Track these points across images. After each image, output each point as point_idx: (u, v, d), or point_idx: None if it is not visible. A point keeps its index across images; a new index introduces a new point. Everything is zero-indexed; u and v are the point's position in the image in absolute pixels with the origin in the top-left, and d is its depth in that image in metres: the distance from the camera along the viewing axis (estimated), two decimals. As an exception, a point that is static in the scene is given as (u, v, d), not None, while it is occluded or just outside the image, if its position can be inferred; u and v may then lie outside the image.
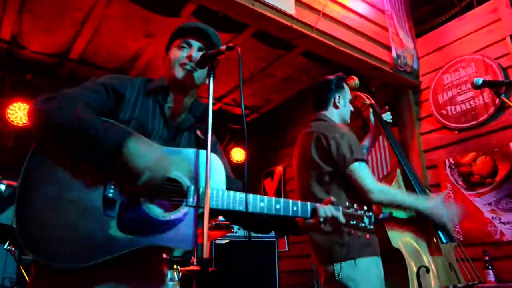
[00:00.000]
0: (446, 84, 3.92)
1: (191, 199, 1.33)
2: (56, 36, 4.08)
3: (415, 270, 2.12)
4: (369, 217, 1.54)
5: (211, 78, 1.50)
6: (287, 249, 5.36)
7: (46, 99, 1.28)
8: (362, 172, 2.05)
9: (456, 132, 3.77)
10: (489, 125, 3.54)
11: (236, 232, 4.51)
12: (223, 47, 1.50)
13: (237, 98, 5.44)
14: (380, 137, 3.16)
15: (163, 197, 1.34)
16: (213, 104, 5.01)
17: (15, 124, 4.47)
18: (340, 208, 1.51)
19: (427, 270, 2.14)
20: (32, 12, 3.69)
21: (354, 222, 1.51)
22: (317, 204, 1.50)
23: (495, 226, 3.36)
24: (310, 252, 2.22)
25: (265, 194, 5.92)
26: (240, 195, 1.40)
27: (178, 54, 1.54)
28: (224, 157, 1.66)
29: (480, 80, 2.41)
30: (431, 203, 2.16)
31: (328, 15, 3.48)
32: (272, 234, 4.93)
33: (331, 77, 2.44)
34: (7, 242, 3.41)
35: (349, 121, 2.44)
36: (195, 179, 1.38)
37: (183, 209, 1.32)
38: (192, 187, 1.35)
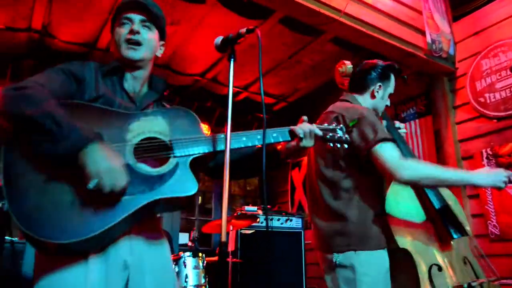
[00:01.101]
0: (485, 70, 3.70)
1: (177, 151, 1.41)
2: (85, 25, 4.13)
3: (425, 269, 1.94)
4: (341, 128, 1.67)
5: (232, 62, 1.50)
6: (314, 240, 5.29)
7: (13, 88, 1.27)
8: (388, 152, 1.85)
9: (495, 121, 3.55)
10: (531, 113, 3.32)
11: (262, 222, 4.48)
12: (243, 30, 1.49)
13: (263, 86, 5.35)
14: None
15: (150, 155, 1.40)
16: (240, 93, 4.96)
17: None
18: (314, 124, 1.62)
19: (439, 269, 1.97)
20: (61, 0, 3.73)
21: (331, 134, 1.64)
22: (292, 126, 1.60)
23: (535, 221, 3.17)
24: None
25: (293, 184, 5.85)
26: (221, 136, 1.48)
27: (121, 31, 1.53)
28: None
29: (520, 64, 2.24)
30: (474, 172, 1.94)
31: (357, -2, 3.33)
32: (299, 225, 4.85)
33: (381, 63, 2.22)
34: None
35: (380, 114, 2.26)
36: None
37: (173, 161, 1.39)
38: (173, 140, 1.42)
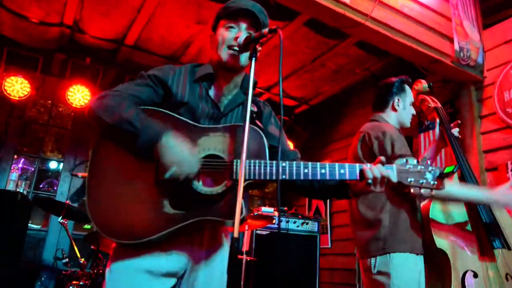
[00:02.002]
0: (514, 80, 3.59)
1: (234, 173, 1.39)
2: (114, 21, 4.23)
3: (460, 273, 2.00)
4: (433, 172, 1.39)
5: (253, 61, 1.49)
6: (329, 246, 5.24)
7: (98, 98, 1.46)
8: None
9: (523, 132, 3.45)
10: (561, 126, 3.21)
11: (278, 224, 4.48)
12: (266, 30, 1.51)
13: (286, 88, 5.35)
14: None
15: (207, 173, 1.42)
16: (261, 94, 4.94)
17: (73, 106, 4.71)
18: (395, 166, 1.41)
19: (475, 275, 2.01)
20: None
21: (412, 179, 1.38)
22: (365, 165, 1.41)
23: (561, 238, 3.05)
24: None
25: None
26: (282, 164, 1.40)
27: (226, 34, 1.58)
28: (282, 129, 1.71)
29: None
30: (494, 193, 2.05)
31: (385, 3, 3.29)
32: (315, 229, 4.83)
33: (394, 79, 2.42)
34: (61, 216, 3.63)
35: (408, 124, 2.41)
36: (228, 152, 1.43)
37: (227, 184, 1.39)
38: (234, 161, 1.40)
